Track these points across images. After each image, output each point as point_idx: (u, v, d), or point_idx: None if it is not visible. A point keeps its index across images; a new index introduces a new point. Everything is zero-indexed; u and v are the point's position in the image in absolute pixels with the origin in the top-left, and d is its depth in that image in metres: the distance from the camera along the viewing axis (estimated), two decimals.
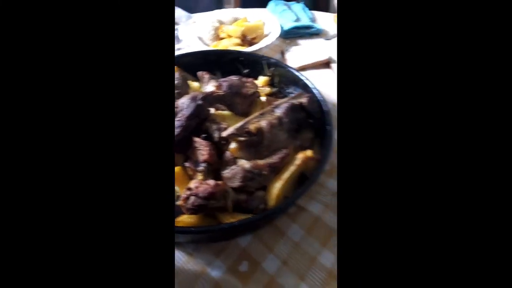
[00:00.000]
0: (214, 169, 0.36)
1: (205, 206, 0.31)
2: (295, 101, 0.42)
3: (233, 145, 0.36)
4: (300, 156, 0.36)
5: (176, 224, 0.31)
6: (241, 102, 0.43)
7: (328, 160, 0.36)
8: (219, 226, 0.29)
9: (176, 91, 0.44)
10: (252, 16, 0.79)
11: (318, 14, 0.86)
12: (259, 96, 0.46)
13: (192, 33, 0.71)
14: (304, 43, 0.73)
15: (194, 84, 0.49)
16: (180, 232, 0.29)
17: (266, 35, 0.72)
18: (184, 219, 0.33)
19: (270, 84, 0.55)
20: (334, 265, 0.33)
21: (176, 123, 0.36)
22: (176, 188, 0.35)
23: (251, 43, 0.70)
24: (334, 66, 0.63)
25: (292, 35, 0.76)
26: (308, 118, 0.42)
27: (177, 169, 0.36)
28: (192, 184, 0.32)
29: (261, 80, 0.55)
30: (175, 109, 0.38)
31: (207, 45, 0.71)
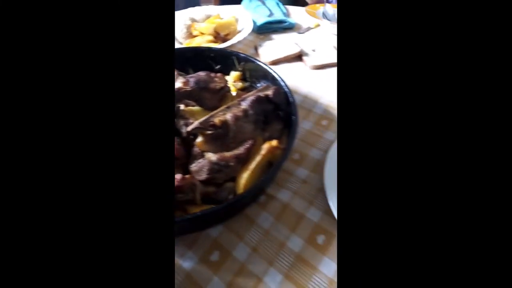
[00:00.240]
0: (183, 164, 0.37)
1: None
2: (261, 94, 0.43)
3: (199, 139, 0.37)
4: (266, 146, 0.37)
5: None
6: (210, 97, 0.44)
7: (292, 148, 0.37)
8: (184, 217, 0.30)
9: None
10: (225, 13, 0.80)
11: (291, 9, 0.87)
12: (229, 90, 0.47)
13: None
14: (277, 37, 0.74)
15: None
16: None
17: (239, 31, 0.73)
18: None
19: (242, 78, 0.56)
20: (302, 249, 0.34)
21: None
22: None
23: (224, 39, 0.71)
24: (306, 58, 0.64)
25: (266, 30, 0.77)
26: (276, 110, 0.44)
27: None
28: None
29: (233, 75, 0.56)
30: None
31: (180, 43, 0.71)
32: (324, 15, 0.81)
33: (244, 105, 0.39)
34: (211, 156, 0.35)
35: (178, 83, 0.44)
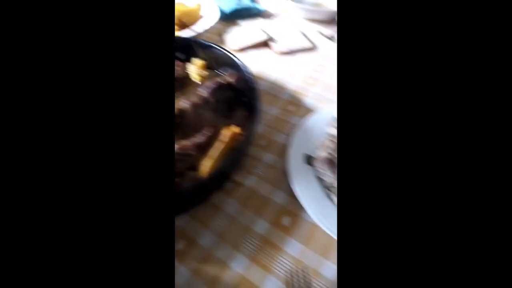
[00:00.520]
0: None
1: None
2: (223, 81, 0.42)
3: None
4: (227, 133, 0.37)
5: None
6: None
7: (259, 134, 0.37)
8: None
9: None
10: (190, 1, 0.77)
11: None
12: (190, 79, 0.46)
13: None
14: (244, 24, 0.73)
15: None
16: None
17: (205, 19, 0.71)
18: None
19: (208, 67, 0.55)
20: (267, 232, 0.35)
21: None
22: None
23: (189, 27, 0.69)
24: (273, 45, 0.64)
25: (233, 17, 0.76)
26: (240, 97, 0.43)
27: None
28: None
29: (197, 63, 0.54)
30: None
31: None
32: None
33: (204, 92, 0.39)
34: None
35: None
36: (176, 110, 0.35)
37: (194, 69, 0.52)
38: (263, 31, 0.67)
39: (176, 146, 0.35)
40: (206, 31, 0.68)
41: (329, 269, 0.32)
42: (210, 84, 0.40)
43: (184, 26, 0.68)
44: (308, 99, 0.53)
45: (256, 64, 0.60)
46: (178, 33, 0.66)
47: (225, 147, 0.37)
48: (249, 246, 0.34)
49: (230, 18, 0.75)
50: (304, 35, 0.68)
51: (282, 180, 0.39)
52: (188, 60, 0.52)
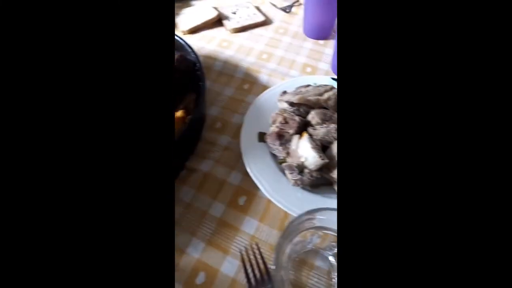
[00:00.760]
0: None
1: None
2: None
3: None
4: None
5: None
6: None
7: (214, 117, 0.36)
8: None
9: None
10: None
11: None
12: None
13: None
14: (197, 3, 0.70)
15: None
16: None
17: None
18: None
19: None
20: (223, 214, 0.35)
21: None
22: None
23: None
24: (226, 22, 0.61)
25: None
26: (184, 78, 0.41)
27: None
28: None
29: None
30: None
31: None
32: None
33: None
34: None
35: None
36: None
37: None
38: (215, 8, 0.63)
39: None
40: None
41: None
42: None
43: None
44: (264, 76, 0.51)
45: (209, 44, 0.58)
46: None
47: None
48: (205, 230, 0.33)
49: None
50: (258, 9, 0.66)
51: (238, 161, 0.39)
52: None
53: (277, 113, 0.37)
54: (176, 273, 0.31)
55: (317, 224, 0.29)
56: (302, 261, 0.31)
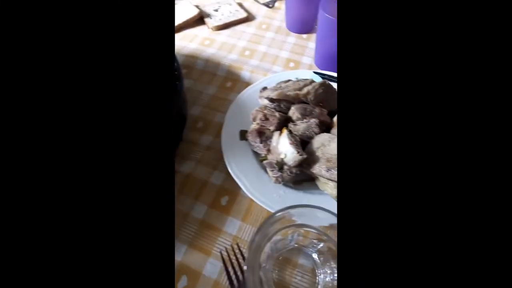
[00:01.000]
0: None
1: None
2: None
3: None
4: None
5: None
6: None
7: (196, 116, 0.35)
8: None
9: None
10: None
11: None
12: None
13: None
14: (179, 2, 0.68)
15: None
16: None
17: None
18: None
19: None
20: (206, 215, 0.34)
21: None
22: None
23: None
24: (208, 20, 0.60)
25: None
26: None
27: None
28: None
29: None
30: None
31: None
32: None
33: None
34: None
35: None
36: None
37: None
38: (196, 7, 0.62)
39: None
40: None
41: None
42: None
43: None
44: (246, 73, 0.50)
45: (191, 43, 0.57)
46: None
47: None
48: (187, 233, 0.33)
49: None
50: (240, 5, 0.65)
51: (220, 161, 0.38)
52: None
53: (257, 110, 0.36)
54: None
55: (298, 221, 0.28)
56: (285, 259, 0.30)
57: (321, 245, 0.29)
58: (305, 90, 0.36)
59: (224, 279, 0.30)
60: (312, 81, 0.38)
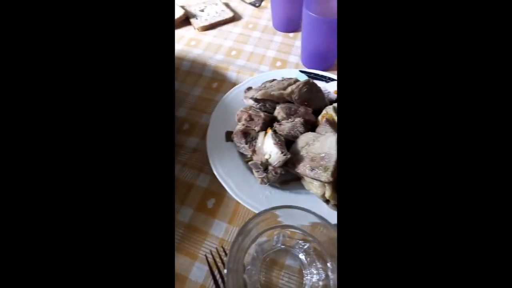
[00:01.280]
0: None
1: None
2: None
3: None
4: None
5: None
6: None
7: (182, 118, 0.34)
8: None
9: None
10: None
11: None
12: None
13: None
14: None
15: None
16: None
17: None
18: None
19: None
20: (192, 218, 0.33)
21: None
22: None
23: None
24: (194, 21, 0.59)
25: None
26: None
27: None
28: None
29: None
30: None
31: None
32: None
33: None
34: None
35: None
36: None
37: None
38: (181, 7, 0.62)
39: None
40: None
41: None
42: None
43: None
44: (233, 73, 0.50)
45: (177, 44, 0.56)
46: None
47: None
48: (174, 237, 0.32)
49: None
50: (227, 5, 0.64)
51: (206, 163, 0.38)
52: None
53: (242, 111, 0.36)
54: None
55: (284, 222, 0.28)
56: (272, 261, 0.30)
57: (307, 245, 0.29)
58: (289, 89, 0.35)
59: (210, 283, 0.29)
60: (297, 80, 0.38)
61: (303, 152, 0.32)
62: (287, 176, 0.34)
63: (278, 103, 0.37)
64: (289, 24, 0.57)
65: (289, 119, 0.35)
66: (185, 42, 0.56)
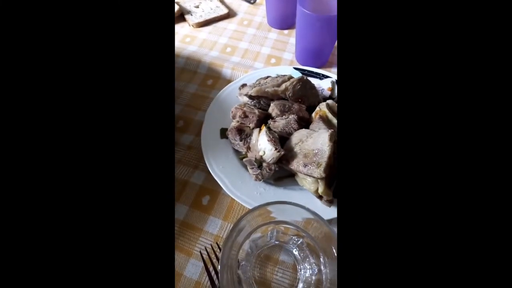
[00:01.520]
0: None
1: None
2: None
3: None
4: None
5: None
6: None
7: (176, 115, 0.34)
8: None
9: None
10: None
11: None
12: None
13: None
14: None
15: None
16: None
17: None
18: None
19: None
20: (186, 216, 0.34)
21: None
22: None
23: None
24: (188, 17, 0.59)
25: None
26: None
27: None
28: None
29: None
30: None
31: None
32: None
33: None
34: None
35: None
36: None
37: None
38: (176, 3, 0.61)
39: None
40: None
41: None
42: None
43: None
44: (228, 70, 0.50)
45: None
46: None
47: None
48: None
49: None
50: (221, 1, 0.64)
51: (201, 160, 0.38)
52: None
53: (236, 108, 0.36)
54: None
55: (278, 218, 0.28)
56: (266, 256, 0.30)
57: (300, 241, 0.29)
58: (283, 86, 0.35)
59: (205, 280, 0.29)
60: (291, 77, 0.38)
61: (296, 149, 0.32)
62: (281, 172, 0.34)
63: (272, 100, 0.37)
64: (284, 21, 0.57)
65: (283, 116, 0.35)
66: (180, 38, 0.56)
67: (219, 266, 0.22)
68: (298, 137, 0.33)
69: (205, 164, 0.36)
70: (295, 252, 0.30)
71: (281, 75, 0.39)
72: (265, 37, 0.56)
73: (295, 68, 0.46)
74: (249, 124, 0.35)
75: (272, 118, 0.36)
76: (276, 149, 0.30)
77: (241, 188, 0.33)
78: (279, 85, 0.36)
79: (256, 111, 0.36)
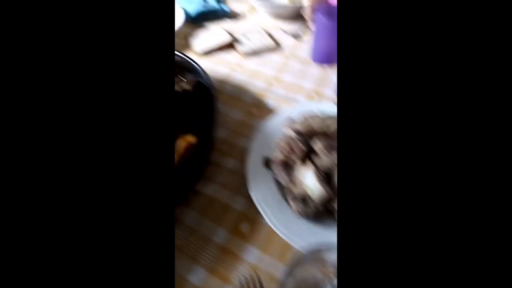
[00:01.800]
0: None
1: None
2: (179, 89, 0.41)
3: None
4: (181, 144, 0.36)
5: None
6: None
7: (221, 139, 0.36)
8: None
9: None
10: None
11: None
12: None
13: None
14: (211, 26, 0.72)
15: None
16: None
17: None
18: None
19: None
20: (226, 241, 0.35)
21: None
22: None
23: None
24: (238, 46, 0.63)
25: (199, 19, 0.75)
26: (198, 103, 0.43)
27: None
28: None
29: None
30: None
31: None
32: None
33: None
34: None
35: None
36: None
37: None
38: (228, 32, 0.66)
39: None
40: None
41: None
42: None
43: None
44: (271, 101, 0.52)
45: (221, 67, 0.60)
46: None
47: (180, 158, 0.36)
48: (207, 257, 0.33)
49: (196, 20, 0.74)
50: (269, 34, 0.68)
51: (243, 186, 0.39)
52: None
53: (283, 140, 0.38)
54: None
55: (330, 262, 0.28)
56: None
57: (336, 280, 0.29)
58: (331, 127, 0.37)
59: None
60: None
61: None
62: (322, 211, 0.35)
63: (316, 135, 0.38)
64: (327, 57, 0.60)
65: (330, 154, 0.36)
66: (229, 66, 0.60)
67: None
68: None
69: (246, 190, 0.37)
70: None
71: (331, 117, 0.40)
72: (308, 72, 0.58)
73: None
74: (294, 158, 0.37)
75: (315, 152, 0.38)
76: (326, 191, 0.31)
77: (281, 221, 0.34)
78: (328, 126, 0.37)
79: (302, 146, 0.37)
